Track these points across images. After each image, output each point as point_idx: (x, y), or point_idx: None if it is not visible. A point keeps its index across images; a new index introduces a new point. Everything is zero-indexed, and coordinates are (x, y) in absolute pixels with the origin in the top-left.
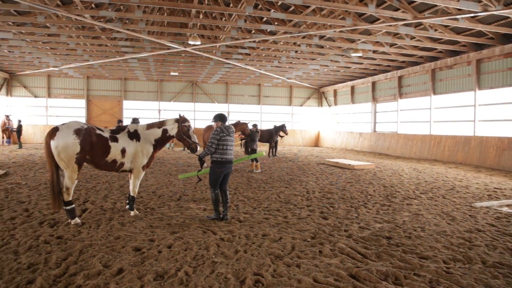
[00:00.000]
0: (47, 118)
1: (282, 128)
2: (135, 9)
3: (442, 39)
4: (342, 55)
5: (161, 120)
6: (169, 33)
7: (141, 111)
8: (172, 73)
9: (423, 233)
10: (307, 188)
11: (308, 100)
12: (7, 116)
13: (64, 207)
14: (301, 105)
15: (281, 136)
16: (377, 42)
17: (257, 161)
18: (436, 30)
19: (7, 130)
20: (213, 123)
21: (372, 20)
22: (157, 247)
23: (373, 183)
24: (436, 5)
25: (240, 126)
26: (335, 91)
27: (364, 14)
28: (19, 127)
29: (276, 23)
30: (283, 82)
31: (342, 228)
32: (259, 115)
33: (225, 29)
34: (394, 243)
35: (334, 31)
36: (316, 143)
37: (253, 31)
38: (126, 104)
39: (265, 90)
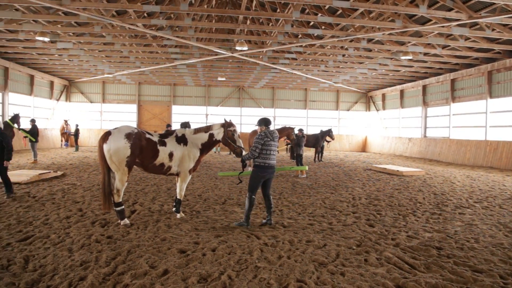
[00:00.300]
0: (101, 122)
1: (328, 133)
2: (184, 17)
3: (500, 39)
4: (391, 58)
5: (207, 125)
6: (217, 39)
7: (189, 115)
8: (219, 78)
9: (477, 244)
10: (353, 194)
11: (356, 104)
12: (66, 121)
13: (115, 208)
14: (348, 110)
15: (328, 141)
16: (429, 44)
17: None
18: (493, 29)
19: (65, 133)
20: (257, 128)
21: (423, 21)
22: (201, 250)
23: (422, 190)
24: (494, 3)
25: (286, 131)
26: (383, 95)
27: (415, 15)
28: (77, 131)
29: (323, 27)
30: (330, 86)
31: (389, 237)
32: (305, 120)
33: (272, 34)
34: (444, 254)
35: (383, 33)
36: (363, 148)
37: (300, 36)
38: (175, 109)
39: (312, 95)
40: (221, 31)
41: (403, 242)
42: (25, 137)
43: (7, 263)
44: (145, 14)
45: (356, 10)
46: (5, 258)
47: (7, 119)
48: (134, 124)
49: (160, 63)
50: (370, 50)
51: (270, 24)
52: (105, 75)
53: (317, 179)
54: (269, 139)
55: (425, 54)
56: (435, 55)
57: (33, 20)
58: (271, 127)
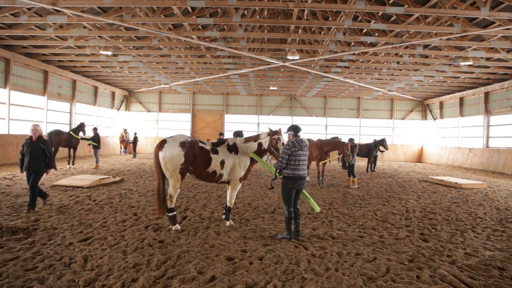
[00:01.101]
0: (157, 130)
1: (382, 142)
2: (237, 28)
3: None
4: (450, 65)
5: (257, 134)
6: (269, 49)
7: (241, 124)
8: (271, 88)
9: None
10: (406, 206)
11: (411, 113)
12: (125, 130)
13: (167, 214)
14: (403, 119)
15: (381, 151)
16: (491, 48)
17: (354, 176)
18: None
19: (124, 141)
20: (286, 135)
21: (486, 24)
22: (248, 258)
23: (484, 204)
24: None
25: (339, 146)
26: (441, 103)
27: (476, 18)
28: (135, 139)
29: (376, 34)
30: (383, 94)
31: (445, 253)
32: (358, 129)
33: (324, 43)
34: (508, 276)
35: (441, 39)
36: (419, 158)
37: (352, 44)
38: (228, 118)
39: (365, 103)
40: (273, 41)
41: (460, 259)
42: (89, 144)
43: (69, 261)
44: (200, 27)
45: (411, 15)
46: (67, 256)
47: (71, 129)
48: (188, 133)
49: (214, 73)
50: (426, 57)
51: (322, 32)
52: (162, 86)
53: (369, 190)
54: (297, 149)
55: (488, 59)
56: (499, 59)
57: (98, 36)
58: (300, 133)
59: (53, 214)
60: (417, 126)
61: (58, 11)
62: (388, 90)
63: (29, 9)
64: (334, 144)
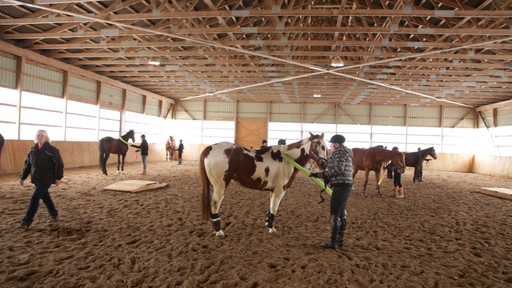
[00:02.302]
0: (202, 138)
1: (430, 151)
2: (281, 36)
3: None
4: (505, 69)
5: (299, 140)
6: (312, 56)
7: (284, 132)
8: (315, 95)
9: None
10: (456, 218)
11: (461, 120)
12: (171, 137)
13: (211, 219)
14: (452, 126)
15: (428, 160)
16: None
17: (400, 186)
18: None
19: (170, 148)
20: (330, 145)
21: None
22: (291, 266)
23: None
24: None
25: (395, 157)
26: (495, 110)
27: None
28: (180, 146)
29: (424, 39)
30: (432, 101)
31: (500, 270)
32: (404, 137)
33: (369, 49)
34: None
35: (495, 42)
36: (470, 168)
37: (398, 50)
38: (271, 125)
39: (412, 111)
40: (317, 48)
41: None
42: (137, 150)
43: (118, 262)
44: (244, 36)
45: (461, 18)
46: (116, 257)
47: (120, 136)
48: (232, 140)
49: (257, 81)
50: (478, 61)
51: (367, 39)
52: (207, 94)
53: (416, 200)
54: (349, 155)
55: None
56: None
57: (147, 47)
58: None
59: (103, 217)
60: (468, 134)
61: (110, 24)
62: (436, 97)
63: (85, 24)
64: (388, 153)
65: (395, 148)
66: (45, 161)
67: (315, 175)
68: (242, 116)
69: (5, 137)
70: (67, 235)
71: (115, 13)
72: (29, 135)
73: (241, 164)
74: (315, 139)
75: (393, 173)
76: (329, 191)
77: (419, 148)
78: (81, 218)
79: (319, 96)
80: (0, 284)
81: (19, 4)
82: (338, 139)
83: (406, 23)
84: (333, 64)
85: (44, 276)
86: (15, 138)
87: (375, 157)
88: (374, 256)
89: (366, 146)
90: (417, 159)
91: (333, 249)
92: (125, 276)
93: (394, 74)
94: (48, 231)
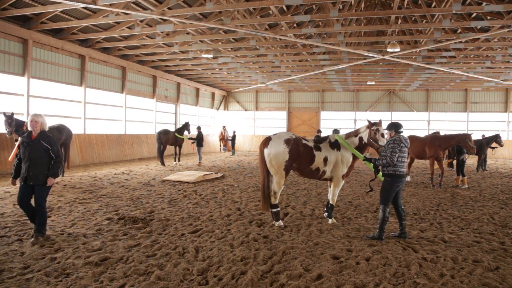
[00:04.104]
0: (254, 129)
1: (495, 138)
2: (334, 23)
3: None
4: None
5: (356, 128)
6: (366, 42)
7: (337, 121)
8: (368, 83)
9: None
10: None
11: None
12: (224, 127)
13: (271, 210)
14: None
15: (493, 148)
16: None
17: (463, 176)
18: None
19: (223, 139)
20: (385, 132)
21: None
22: (354, 258)
23: None
24: None
25: (463, 139)
26: None
27: None
28: (234, 137)
29: (489, 17)
30: (496, 85)
31: None
32: (465, 124)
33: (427, 32)
34: None
35: None
36: None
37: (459, 31)
38: (323, 114)
39: (473, 96)
40: (370, 34)
41: None
42: (193, 142)
43: (182, 251)
44: (295, 25)
45: None
46: (180, 246)
47: (176, 128)
48: (284, 130)
49: (309, 70)
50: None
51: (424, 21)
52: (258, 85)
53: (482, 191)
54: (404, 145)
55: None
56: None
57: (200, 41)
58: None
59: (165, 206)
60: None
61: (165, 20)
62: (502, 80)
63: (141, 21)
64: (454, 138)
65: (436, 133)
66: (41, 154)
67: (369, 160)
68: (294, 106)
69: (73, 132)
70: (133, 224)
71: (169, 8)
72: (93, 129)
73: (301, 154)
74: (374, 126)
75: (454, 161)
76: (381, 177)
77: (483, 135)
78: (144, 207)
79: (373, 83)
80: (78, 268)
81: (83, 6)
82: (394, 127)
83: (469, 1)
84: (389, 50)
85: (116, 262)
86: (81, 132)
87: (441, 145)
88: (442, 250)
89: (423, 134)
90: (481, 147)
91: (381, 240)
92: (190, 265)
93: (454, 57)
94: (116, 220)
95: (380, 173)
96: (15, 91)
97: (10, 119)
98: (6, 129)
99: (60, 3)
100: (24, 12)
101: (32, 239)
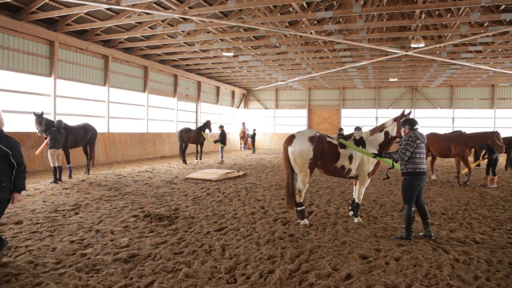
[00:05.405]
0: (274, 127)
1: None
2: (356, 19)
3: None
4: None
5: (381, 124)
6: (388, 38)
7: (358, 119)
8: (390, 79)
9: None
10: None
11: None
12: (243, 123)
13: (296, 208)
14: None
15: None
16: None
17: (494, 175)
18: None
19: (244, 137)
20: (402, 129)
21: None
22: (383, 258)
23: None
24: None
25: (490, 137)
26: None
27: None
28: (254, 135)
29: None
30: None
31: None
32: (492, 121)
33: (452, 26)
34: None
35: None
36: None
37: (486, 24)
38: (344, 112)
39: (501, 91)
40: (392, 29)
41: None
42: (216, 141)
43: (209, 249)
44: (315, 22)
45: None
46: (206, 244)
47: (198, 127)
48: (304, 128)
49: (330, 67)
50: None
51: (449, 15)
52: (278, 83)
53: None
54: (420, 141)
55: None
56: None
57: (220, 39)
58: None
59: (189, 204)
60: None
61: (186, 19)
62: None
63: (163, 21)
64: (481, 136)
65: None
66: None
67: (379, 155)
68: (314, 104)
69: (97, 131)
70: (159, 221)
71: (190, 7)
72: (117, 128)
73: (326, 152)
74: (403, 118)
75: (482, 159)
76: (398, 167)
77: None
78: (168, 205)
79: (395, 80)
80: (108, 264)
81: (107, 7)
82: (408, 123)
83: None
84: (413, 45)
85: (144, 259)
86: (105, 131)
87: (468, 143)
88: (474, 251)
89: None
90: (510, 145)
91: (409, 240)
92: (217, 263)
93: (481, 52)
94: (142, 217)
95: (398, 164)
96: (42, 91)
97: (40, 118)
98: (37, 128)
99: (85, 4)
100: (51, 15)
101: None
